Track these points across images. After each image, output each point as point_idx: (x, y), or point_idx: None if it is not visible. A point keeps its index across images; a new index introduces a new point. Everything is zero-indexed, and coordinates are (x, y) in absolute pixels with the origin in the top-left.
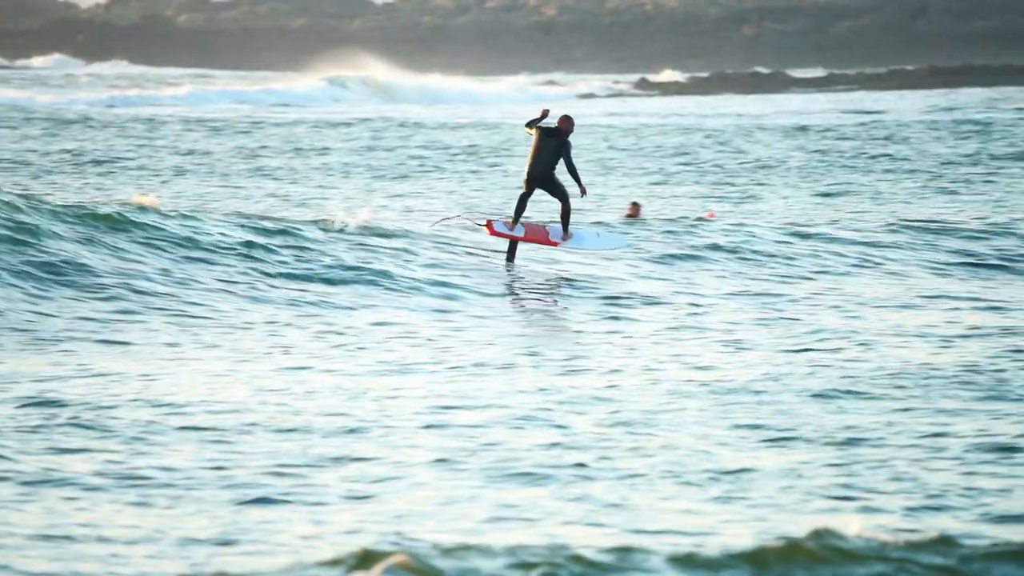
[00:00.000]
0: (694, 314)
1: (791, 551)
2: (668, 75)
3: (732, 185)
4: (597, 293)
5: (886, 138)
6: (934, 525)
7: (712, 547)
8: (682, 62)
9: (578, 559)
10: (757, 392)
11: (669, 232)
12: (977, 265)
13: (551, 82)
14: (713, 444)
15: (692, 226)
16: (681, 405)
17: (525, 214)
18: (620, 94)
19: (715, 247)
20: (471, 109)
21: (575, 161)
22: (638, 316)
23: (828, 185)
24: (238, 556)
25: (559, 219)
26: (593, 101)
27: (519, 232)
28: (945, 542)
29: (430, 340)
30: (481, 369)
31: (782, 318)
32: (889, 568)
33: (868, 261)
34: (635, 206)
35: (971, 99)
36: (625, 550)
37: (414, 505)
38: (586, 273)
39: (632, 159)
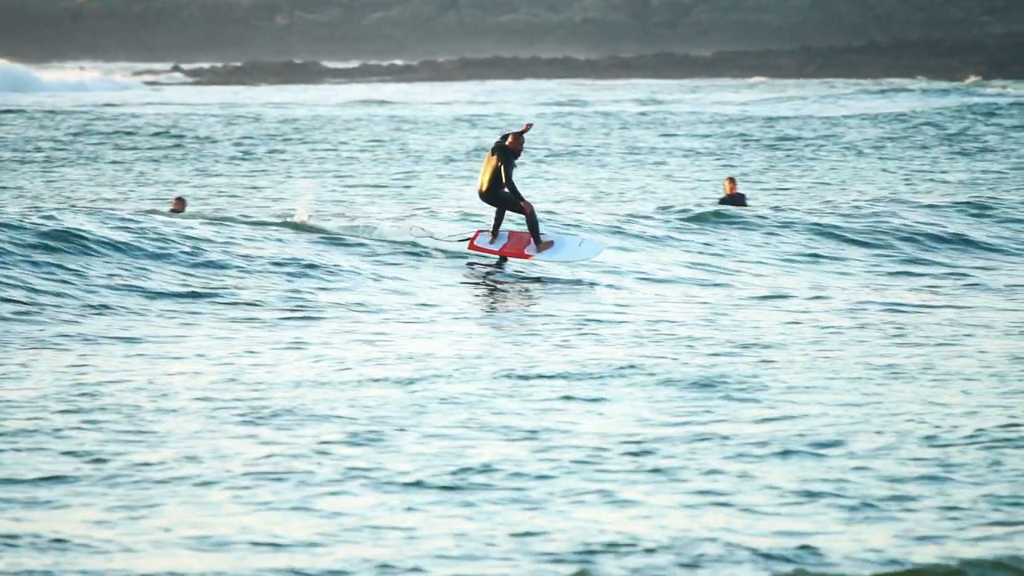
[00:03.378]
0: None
1: None
2: (198, 65)
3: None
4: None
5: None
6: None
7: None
8: (216, 51)
9: None
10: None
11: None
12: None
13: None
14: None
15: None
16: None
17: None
18: (155, 84)
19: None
20: None
21: (514, 177)
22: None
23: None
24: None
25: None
26: (97, 93)
27: (499, 245)
28: None
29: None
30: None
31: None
32: None
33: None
34: (179, 201)
35: (469, 91)
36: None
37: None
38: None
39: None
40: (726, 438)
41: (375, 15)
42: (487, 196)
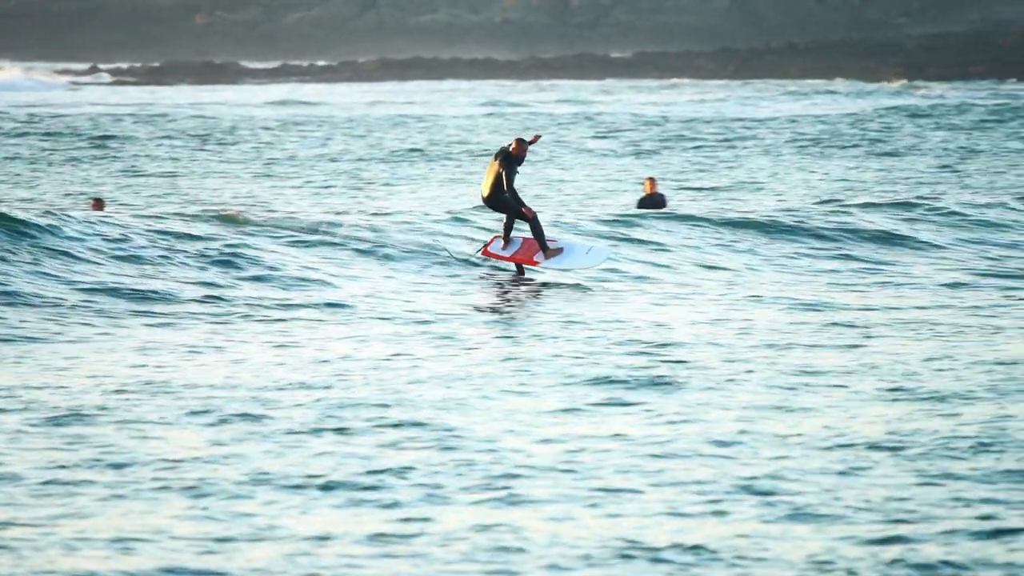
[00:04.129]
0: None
1: None
2: (117, 65)
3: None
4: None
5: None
6: None
7: None
8: (135, 51)
9: None
10: None
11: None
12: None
13: None
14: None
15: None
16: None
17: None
18: (75, 84)
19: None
20: None
21: (516, 183)
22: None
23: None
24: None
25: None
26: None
27: (511, 251)
28: None
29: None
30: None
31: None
32: None
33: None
34: (98, 202)
35: (419, 90)
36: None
37: None
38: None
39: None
40: (632, 439)
41: (295, 15)
42: (489, 201)
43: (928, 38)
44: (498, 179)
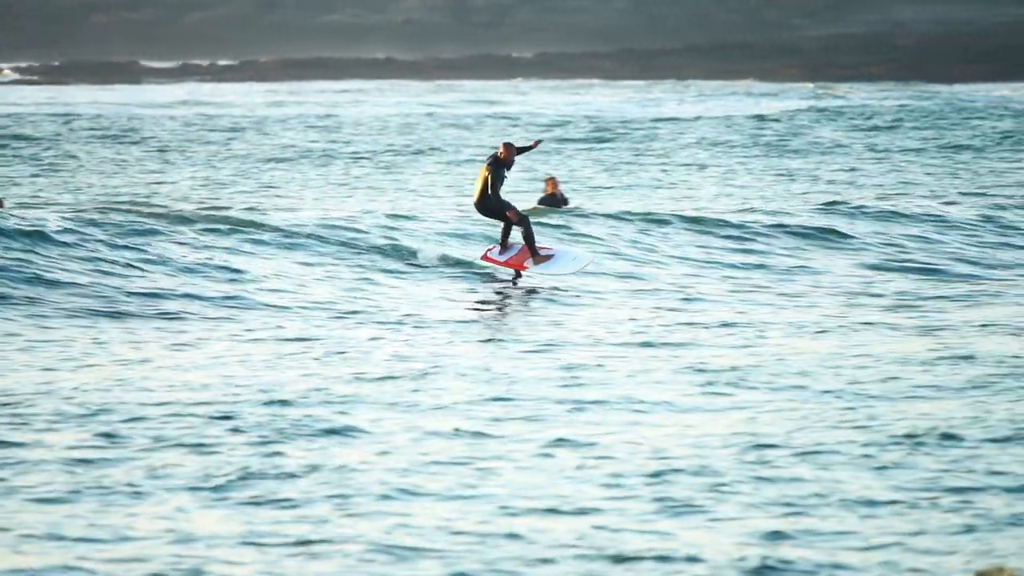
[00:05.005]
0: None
1: None
2: (15, 64)
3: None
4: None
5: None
6: None
7: None
8: (34, 49)
9: None
10: None
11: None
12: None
13: None
14: None
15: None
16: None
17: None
18: None
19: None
20: None
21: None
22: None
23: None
24: None
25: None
26: None
27: (507, 257)
28: None
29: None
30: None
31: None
32: None
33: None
34: None
35: (319, 90)
36: None
37: None
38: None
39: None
40: (514, 437)
41: (196, 14)
42: (479, 207)
43: (827, 39)
44: (485, 184)
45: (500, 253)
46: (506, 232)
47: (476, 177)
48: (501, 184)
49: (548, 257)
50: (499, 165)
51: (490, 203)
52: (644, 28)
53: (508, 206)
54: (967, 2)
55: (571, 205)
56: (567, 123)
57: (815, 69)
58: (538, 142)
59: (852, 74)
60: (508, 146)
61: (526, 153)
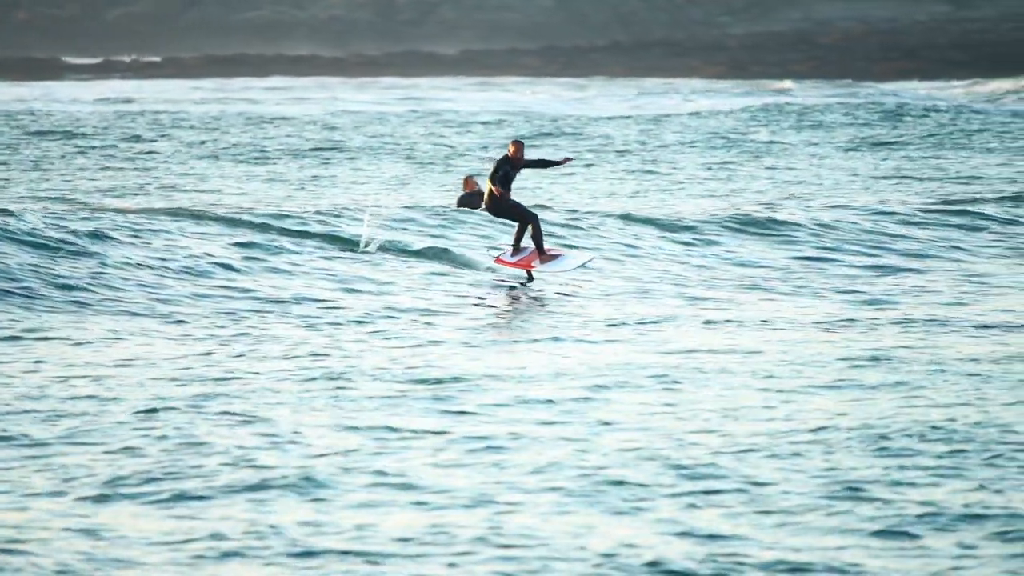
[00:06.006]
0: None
1: None
2: None
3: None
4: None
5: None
6: None
7: None
8: None
9: None
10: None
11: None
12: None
13: None
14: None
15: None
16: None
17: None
18: None
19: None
20: None
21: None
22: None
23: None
24: None
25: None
26: None
27: (518, 258)
28: None
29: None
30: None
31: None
32: None
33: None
34: None
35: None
36: None
37: None
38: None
39: None
40: (428, 433)
41: (118, 10)
42: (489, 208)
43: (750, 37)
44: (494, 184)
45: (512, 255)
46: (519, 235)
47: (478, 176)
48: (510, 183)
49: (555, 257)
50: (507, 163)
51: (502, 204)
52: (568, 26)
53: (517, 205)
54: (889, 1)
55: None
56: (502, 121)
57: (738, 67)
58: (568, 160)
59: (776, 72)
60: (518, 143)
61: (554, 168)
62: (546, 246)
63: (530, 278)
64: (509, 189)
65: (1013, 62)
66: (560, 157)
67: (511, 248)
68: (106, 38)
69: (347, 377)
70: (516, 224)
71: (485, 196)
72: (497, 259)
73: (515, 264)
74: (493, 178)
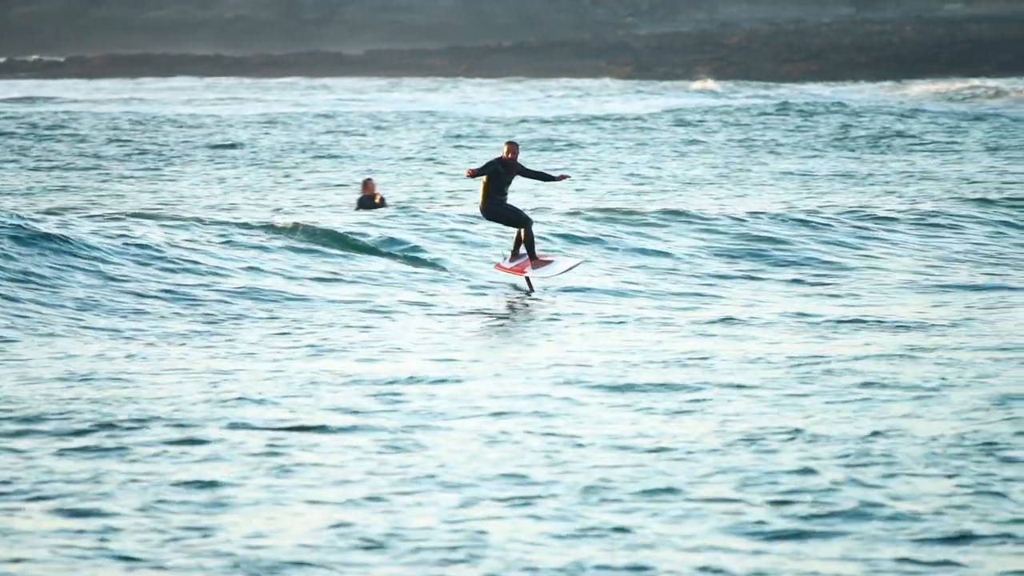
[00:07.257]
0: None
1: None
2: None
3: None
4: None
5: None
6: None
7: None
8: None
9: None
10: None
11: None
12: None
13: None
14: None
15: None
16: None
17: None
18: None
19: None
20: None
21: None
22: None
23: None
24: None
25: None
26: None
27: (513, 264)
28: None
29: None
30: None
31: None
32: None
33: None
34: None
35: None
36: None
37: None
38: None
39: None
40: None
41: (21, 9)
42: (484, 212)
43: (656, 38)
44: (486, 188)
45: (509, 261)
46: (517, 242)
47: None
48: (505, 187)
49: (546, 263)
50: (500, 165)
51: (496, 208)
52: (473, 26)
53: (514, 209)
54: (793, 2)
55: (389, 205)
56: (424, 123)
57: (643, 67)
58: (565, 177)
59: (682, 72)
60: (512, 145)
61: (548, 183)
62: (538, 252)
63: (531, 288)
64: (504, 193)
65: (915, 64)
66: (558, 174)
67: (509, 255)
68: (8, 37)
69: (268, 384)
70: (511, 228)
71: (480, 202)
72: (497, 265)
73: (511, 270)
74: (498, 180)
